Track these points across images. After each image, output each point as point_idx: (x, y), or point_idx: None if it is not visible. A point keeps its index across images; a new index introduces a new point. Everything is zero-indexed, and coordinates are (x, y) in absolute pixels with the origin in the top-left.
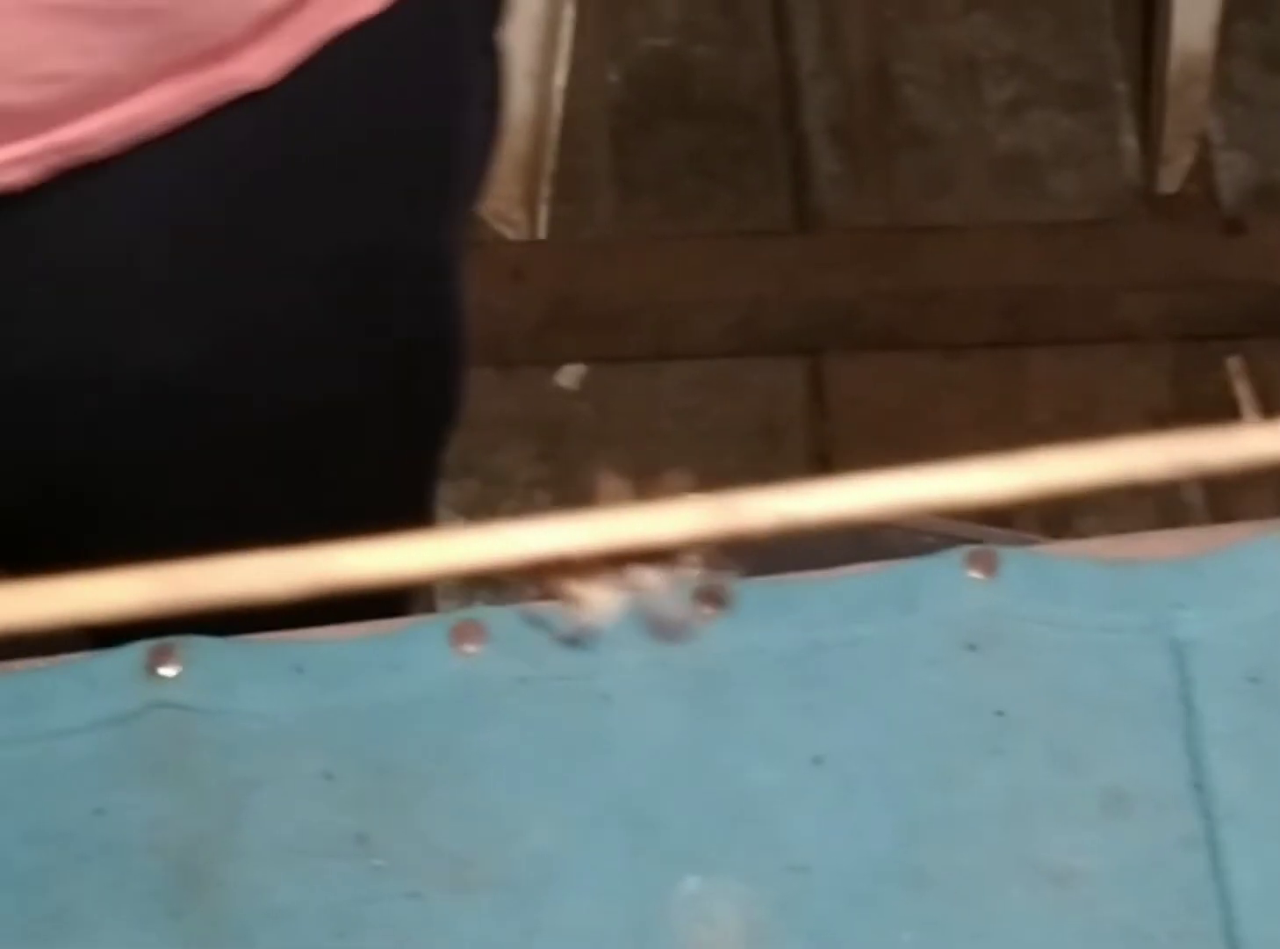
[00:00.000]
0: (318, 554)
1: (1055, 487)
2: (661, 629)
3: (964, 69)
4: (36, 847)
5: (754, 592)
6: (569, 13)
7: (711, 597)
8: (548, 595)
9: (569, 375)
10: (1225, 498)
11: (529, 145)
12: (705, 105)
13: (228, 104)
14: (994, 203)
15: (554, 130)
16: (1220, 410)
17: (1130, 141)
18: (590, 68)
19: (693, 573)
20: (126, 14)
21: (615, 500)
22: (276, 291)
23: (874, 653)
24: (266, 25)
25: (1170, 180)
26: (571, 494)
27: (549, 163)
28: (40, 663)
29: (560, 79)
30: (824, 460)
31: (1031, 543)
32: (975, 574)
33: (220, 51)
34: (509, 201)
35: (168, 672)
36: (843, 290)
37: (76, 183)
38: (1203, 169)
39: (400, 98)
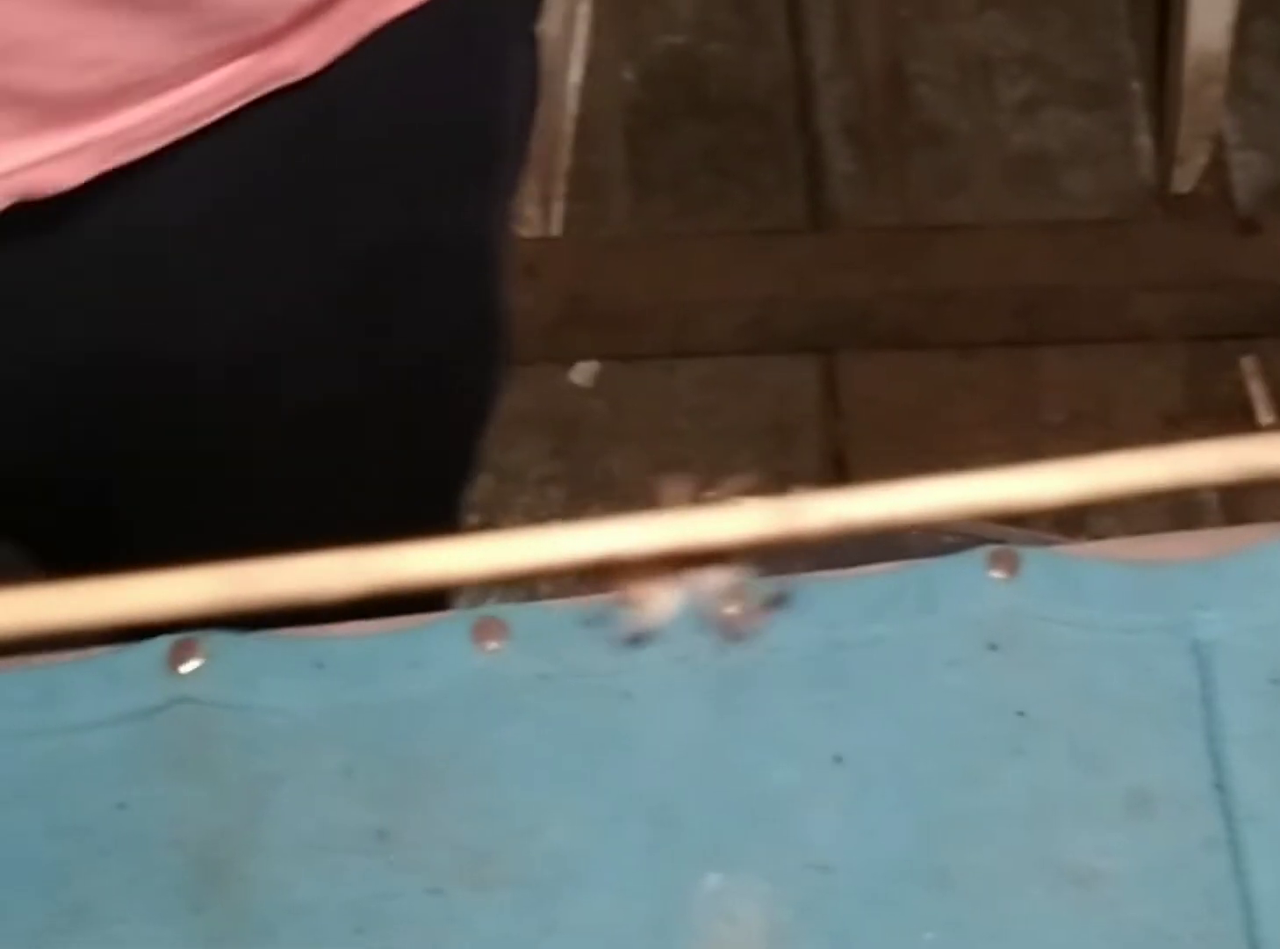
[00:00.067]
0: (382, 554)
1: (1122, 490)
2: (726, 629)
3: (978, 68)
4: (58, 840)
5: None
6: (584, 10)
7: (774, 598)
8: (605, 596)
9: (583, 372)
10: (1240, 497)
11: (544, 143)
12: (720, 104)
13: (270, 96)
14: (1008, 202)
15: (569, 128)
16: (1234, 411)
17: (1145, 141)
18: (605, 66)
19: (750, 574)
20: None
21: (676, 503)
22: (317, 282)
23: (895, 652)
24: (308, 16)
25: (1185, 180)
26: (585, 491)
27: (564, 160)
28: (62, 657)
29: (576, 77)
30: (837, 459)
31: (1051, 543)
32: (997, 574)
33: (263, 41)
34: (523, 198)
35: (189, 666)
36: (857, 289)
37: (119, 178)
38: (1218, 169)
39: (443, 90)
